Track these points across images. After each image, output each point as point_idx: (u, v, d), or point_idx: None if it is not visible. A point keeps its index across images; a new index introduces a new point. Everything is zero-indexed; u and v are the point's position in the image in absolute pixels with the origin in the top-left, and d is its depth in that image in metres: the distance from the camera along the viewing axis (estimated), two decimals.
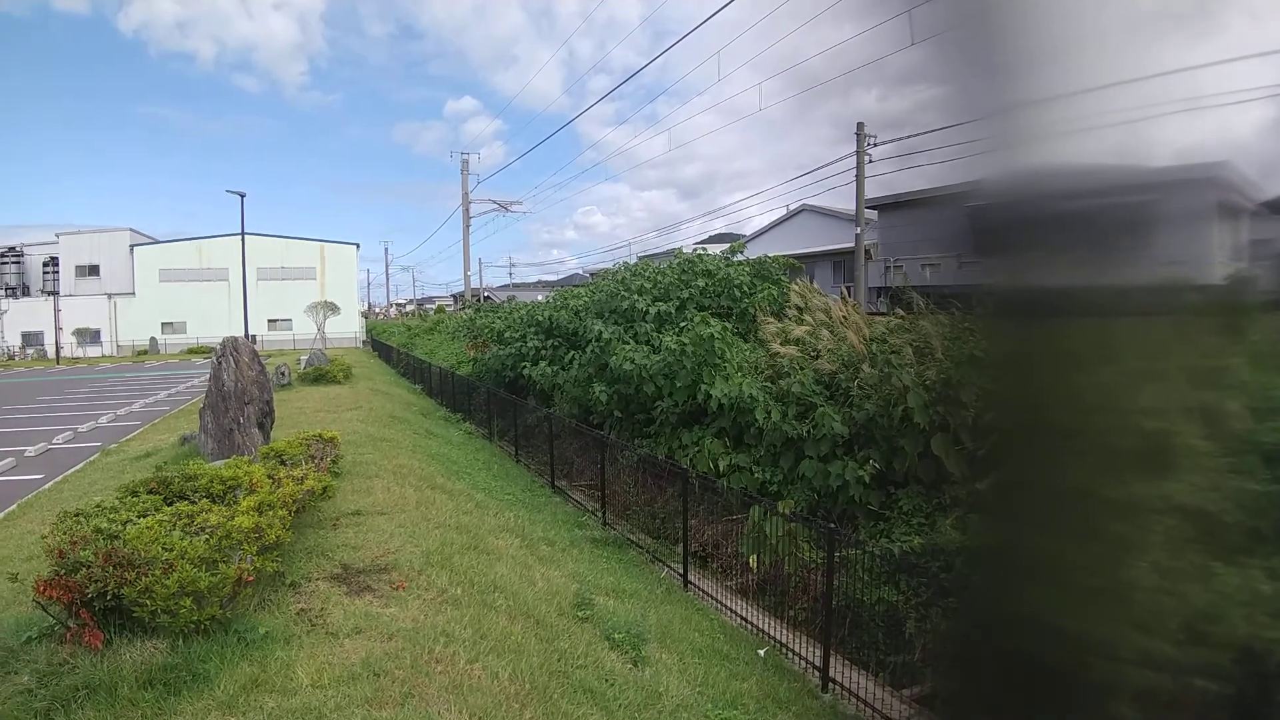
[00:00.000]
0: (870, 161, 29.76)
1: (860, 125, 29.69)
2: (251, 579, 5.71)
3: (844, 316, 14.82)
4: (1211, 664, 1.03)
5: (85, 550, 5.10)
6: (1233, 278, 1.19)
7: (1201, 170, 1.05)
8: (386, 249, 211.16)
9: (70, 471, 14.12)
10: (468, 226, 51.47)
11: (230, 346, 11.95)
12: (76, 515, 5.79)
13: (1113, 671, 0.98)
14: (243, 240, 42.20)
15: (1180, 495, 1.03)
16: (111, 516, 5.77)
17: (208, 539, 5.51)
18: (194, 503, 6.48)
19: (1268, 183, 1.22)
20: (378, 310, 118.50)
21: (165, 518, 5.83)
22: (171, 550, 5.18)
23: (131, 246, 66.20)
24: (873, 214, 32.94)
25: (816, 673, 8.29)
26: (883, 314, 16.87)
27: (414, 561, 7.41)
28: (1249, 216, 1.24)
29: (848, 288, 24.53)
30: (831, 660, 8.20)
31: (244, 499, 6.57)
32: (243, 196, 39.90)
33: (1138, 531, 1.02)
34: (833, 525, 9.07)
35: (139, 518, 5.78)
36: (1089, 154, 0.98)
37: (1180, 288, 1.06)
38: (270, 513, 6.39)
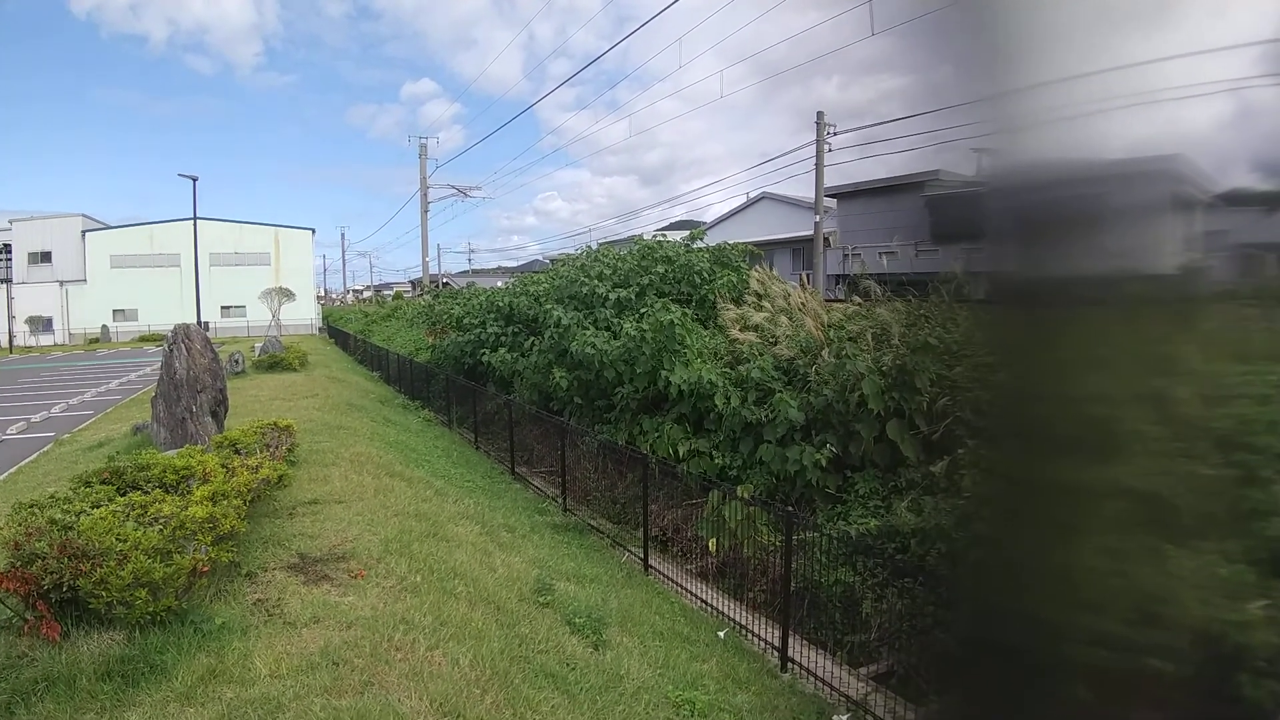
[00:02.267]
0: (830, 150, 30.03)
1: (820, 114, 29.89)
2: (207, 569, 5.63)
3: (802, 303, 14.94)
4: (1167, 646, 1.06)
5: (40, 542, 4.99)
6: (1185, 268, 1.22)
7: (1155, 164, 1.08)
8: (343, 234, 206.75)
9: (24, 462, 13.87)
10: (426, 211, 50.92)
11: (182, 334, 11.69)
12: (31, 506, 5.67)
13: (1070, 653, 1.01)
14: (195, 225, 41.26)
15: (1131, 479, 1.06)
16: (65, 507, 5.66)
17: (161, 529, 5.43)
18: (147, 493, 6.35)
19: (1224, 176, 1.26)
20: (334, 296, 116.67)
21: (119, 508, 5.72)
22: (125, 541, 5.10)
23: (83, 232, 64.12)
24: (832, 202, 33.19)
25: (775, 653, 8.40)
26: (840, 301, 17.05)
27: (372, 549, 7.35)
28: (1203, 209, 1.27)
29: (806, 275, 24.68)
30: (790, 640, 8.32)
31: (198, 489, 6.47)
32: (195, 180, 38.98)
33: (1090, 516, 1.04)
34: (791, 509, 9.17)
35: (92, 508, 5.67)
36: (1046, 147, 1.00)
37: (1132, 278, 1.09)
38: (225, 502, 6.29)
